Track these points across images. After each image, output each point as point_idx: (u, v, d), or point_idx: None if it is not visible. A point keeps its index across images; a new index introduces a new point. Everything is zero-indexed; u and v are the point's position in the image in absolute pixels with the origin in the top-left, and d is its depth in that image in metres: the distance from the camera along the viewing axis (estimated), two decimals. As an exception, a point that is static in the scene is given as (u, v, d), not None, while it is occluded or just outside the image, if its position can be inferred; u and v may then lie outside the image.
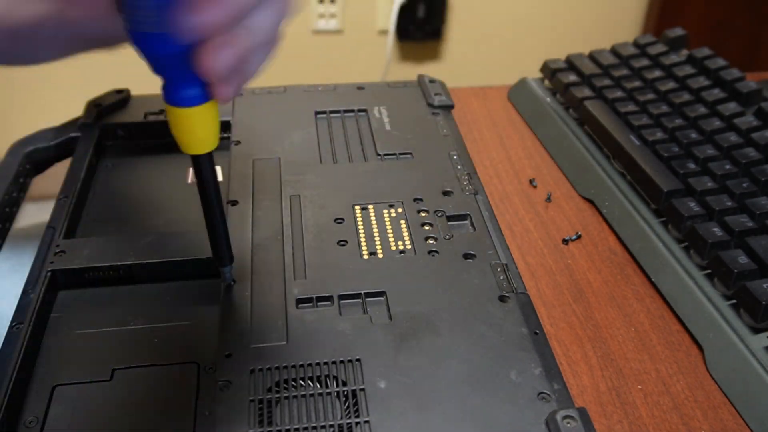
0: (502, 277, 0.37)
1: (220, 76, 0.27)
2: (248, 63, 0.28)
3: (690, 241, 0.43)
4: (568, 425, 0.29)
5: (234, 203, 0.42)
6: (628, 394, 0.36)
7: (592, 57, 0.61)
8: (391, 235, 0.40)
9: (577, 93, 0.56)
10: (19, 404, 0.31)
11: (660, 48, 0.59)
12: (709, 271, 0.41)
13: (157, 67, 0.27)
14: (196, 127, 0.28)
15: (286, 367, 0.32)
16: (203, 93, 0.28)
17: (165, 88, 0.28)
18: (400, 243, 0.40)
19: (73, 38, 0.37)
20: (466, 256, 0.39)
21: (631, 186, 0.48)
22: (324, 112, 0.52)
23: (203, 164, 0.31)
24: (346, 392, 0.31)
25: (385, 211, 0.42)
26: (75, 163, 0.46)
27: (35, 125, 0.51)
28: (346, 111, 0.52)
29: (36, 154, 0.48)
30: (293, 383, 0.31)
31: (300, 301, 0.36)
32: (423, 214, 0.42)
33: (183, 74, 0.27)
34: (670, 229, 0.44)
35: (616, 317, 0.41)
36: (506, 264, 0.38)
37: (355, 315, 0.35)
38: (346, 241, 0.40)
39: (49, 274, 0.36)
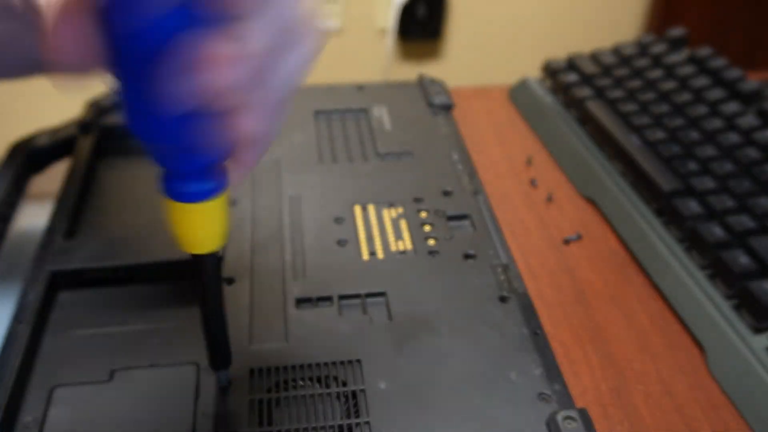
0: (502, 278, 0.37)
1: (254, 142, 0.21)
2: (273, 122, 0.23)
3: (691, 242, 0.42)
4: (569, 426, 0.29)
5: (234, 203, 0.42)
6: (629, 395, 0.36)
7: (593, 57, 0.61)
8: (391, 235, 0.40)
9: (577, 93, 0.56)
10: (17, 405, 0.31)
11: (661, 47, 0.59)
12: (710, 271, 0.41)
13: (160, 156, 0.22)
14: (206, 224, 0.23)
15: (286, 368, 0.32)
16: (217, 184, 0.23)
17: (165, 179, 0.22)
18: (400, 243, 0.40)
19: (33, 63, 0.33)
20: (467, 256, 0.39)
21: (632, 186, 0.48)
22: (324, 112, 0.52)
23: (207, 264, 0.25)
24: (346, 393, 0.31)
25: (385, 211, 0.42)
26: (75, 163, 0.46)
27: (35, 125, 0.51)
28: (346, 111, 0.52)
29: (35, 154, 0.48)
30: (293, 383, 0.31)
31: (300, 301, 0.36)
32: (423, 214, 0.42)
33: (192, 163, 0.21)
34: (671, 230, 0.44)
35: (617, 318, 0.41)
36: (506, 264, 0.38)
37: (355, 315, 0.35)
38: (346, 241, 0.40)
39: (49, 274, 0.36)
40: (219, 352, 0.29)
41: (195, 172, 0.22)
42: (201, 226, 0.23)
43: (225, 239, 0.24)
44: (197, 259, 0.25)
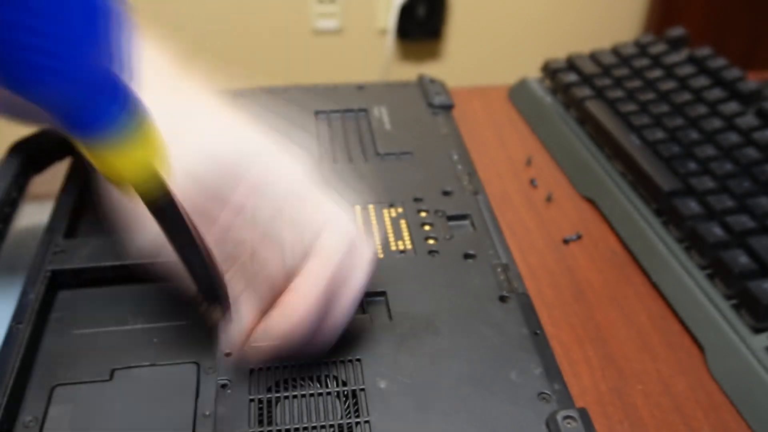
0: (502, 278, 0.37)
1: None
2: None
3: (690, 241, 0.42)
4: (569, 425, 0.29)
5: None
6: (629, 395, 0.36)
7: (593, 57, 0.61)
8: (391, 235, 0.40)
9: (577, 93, 0.56)
10: (18, 404, 0.31)
11: (661, 47, 0.59)
12: (709, 271, 0.41)
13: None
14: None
15: (286, 367, 0.32)
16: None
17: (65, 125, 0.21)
18: (400, 243, 0.40)
19: None
20: (467, 256, 0.39)
21: (632, 186, 0.48)
22: (324, 112, 0.52)
23: (167, 214, 0.24)
24: (346, 392, 0.31)
25: (385, 211, 0.42)
26: (75, 163, 0.46)
27: (35, 125, 0.51)
28: (346, 111, 0.52)
29: (36, 154, 0.48)
30: (293, 383, 0.31)
31: (300, 301, 0.35)
32: (423, 214, 0.42)
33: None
34: (670, 229, 0.44)
35: (617, 317, 0.41)
36: (506, 264, 0.38)
37: (355, 315, 0.35)
38: (347, 241, 0.39)
39: (49, 274, 0.36)
40: (205, 283, 0.28)
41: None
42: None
43: (167, 171, 0.23)
44: (154, 210, 0.24)
